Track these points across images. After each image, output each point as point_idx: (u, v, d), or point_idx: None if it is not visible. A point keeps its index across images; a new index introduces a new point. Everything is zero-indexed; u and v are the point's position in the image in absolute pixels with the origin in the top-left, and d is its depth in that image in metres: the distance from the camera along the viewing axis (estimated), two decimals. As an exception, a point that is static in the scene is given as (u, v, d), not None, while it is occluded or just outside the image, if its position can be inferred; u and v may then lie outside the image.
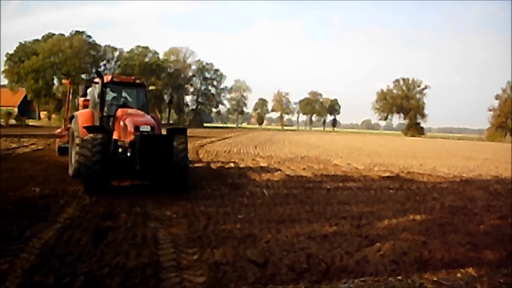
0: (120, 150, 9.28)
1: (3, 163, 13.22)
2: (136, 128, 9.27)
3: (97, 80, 11.09)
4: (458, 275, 4.85)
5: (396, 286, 4.48)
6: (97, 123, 10.35)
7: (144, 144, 8.89)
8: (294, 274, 4.79)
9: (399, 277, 4.73)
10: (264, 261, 4.98)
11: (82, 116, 10.89)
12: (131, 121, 9.49)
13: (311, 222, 7.38)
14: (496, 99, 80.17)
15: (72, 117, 11.53)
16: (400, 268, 5.07)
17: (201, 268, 4.89)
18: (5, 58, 67.82)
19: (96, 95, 10.83)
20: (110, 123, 10.28)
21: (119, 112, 10.19)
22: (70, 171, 10.98)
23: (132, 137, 9.16)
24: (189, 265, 5.03)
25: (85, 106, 12.12)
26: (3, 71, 68.16)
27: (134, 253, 5.07)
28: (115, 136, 9.73)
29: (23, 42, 70.36)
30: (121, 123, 9.71)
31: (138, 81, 11.53)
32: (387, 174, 14.41)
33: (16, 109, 64.99)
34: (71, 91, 14.09)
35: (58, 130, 14.91)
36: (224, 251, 5.31)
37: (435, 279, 4.70)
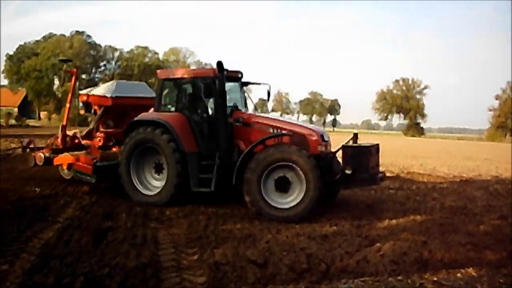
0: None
1: (3, 163, 13.22)
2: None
3: (202, 72, 9.26)
4: (458, 275, 4.85)
5: (396, 286, 4.48)
6: (204, 132, 8.49)
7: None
8: (294, 274, 4.79)
9: (399, 277, 4.73)
10: (264, 261, 4.98)
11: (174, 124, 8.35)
12: (306, 131, 8.02)
13: (311, 222, 7.39)
14: (496, 99, 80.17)
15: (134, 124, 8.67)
16: (400, 268, 5.06)
17: (201, 268, 4.89)
18: (5, 59, 67.87)
19: (204, 94, 8.42)
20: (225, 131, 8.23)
21: (247, 116, 8.50)
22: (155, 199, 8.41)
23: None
24: (189, 265, 5.03)
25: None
26: (3, 71, 68.23)
27: (134, 253, 5.07)
28: (243, 147, 8.16)
29: (23, 44, 70.43)
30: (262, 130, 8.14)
31: (240, 74, 9.26)
32: (387, 174, 14.40)
33: (16, 109, 65.02)
34: (76, 84, 10.98)
35: (51, 139, 11.05)
36: (224, 251, 5.31)
37: (435, 279, 4.69)
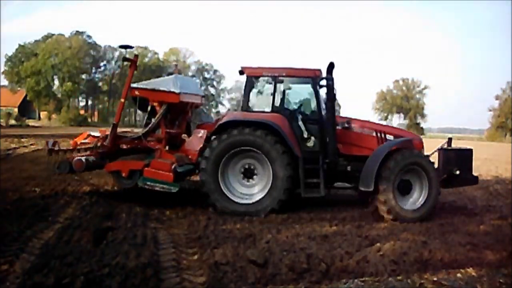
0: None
1: (3, 163, 13.23)
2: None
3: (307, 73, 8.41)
4: (458, 275, 4.85)
5: (396, 286, 4.48)
6: (305, 134, 8.33)
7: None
8: (294, 274, 4.79)
9: (399, 277, 4.73)
10: (264, 261, 4.98)
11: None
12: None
13: (311, 222, 7.39)
14: (496, 99, 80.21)
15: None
16: (400, 268, 5.07)
17: (201, 268, 4.89)
18: (4, 59, 67.94)
19: (315, 93, 8.35)
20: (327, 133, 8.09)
21: (348, 119, 8.47)
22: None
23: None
24: (189, 265, 5.03)
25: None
26: (3, 72, 68.27)
27: (134, 253, 5.07)
28: (342, 150, 8.23)
29: (22, 44, 70.44)
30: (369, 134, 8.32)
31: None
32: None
33: (16, 109, 65.02)
34: (132, 75, 8.75)
35: (92, 137, 9.53)
36: (224, 251, 5.31)
37: (435, 279, 4.70)
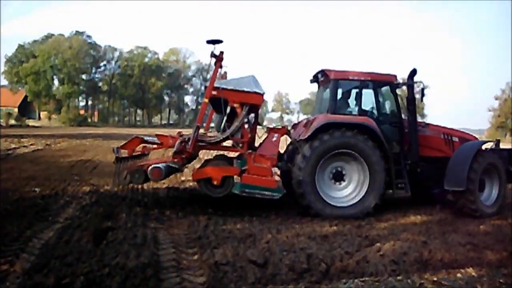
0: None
1: (3, 163, 13.23)
2: None
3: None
4: (458, 275, 4.85)
5: (396, 286, 4.48)
6: (389, 136, 8.44)
7: None
8: (294, 274, 4.79)
9: (399, 277, 4.73)
10: (264, 261, 4.98)
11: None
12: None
13: (311, 222, 7.39)
14: (496, 99, 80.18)
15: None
16: (400, 268, 5.07)
17: (201, 268, 4.89)
18: (4, 60, 68.02)
19: (394, 97, 8.68)
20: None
21: (419, 122, 8.83)
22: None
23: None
24: (189, 265, 5.03)
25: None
26: (3, 72, 68.32)
27: (134, 253, 5.07)
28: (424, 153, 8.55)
29: (22, 44, 70.49)
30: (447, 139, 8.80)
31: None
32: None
33: (16, 109, 65.05)
34: (217, 73, 8.17)
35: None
36: (224, 251, 5.31)
37: (435, 279, 4.69)
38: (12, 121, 50.65)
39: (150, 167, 7.54)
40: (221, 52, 7.80)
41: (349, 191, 8.05)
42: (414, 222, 7.59)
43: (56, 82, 70.08)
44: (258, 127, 9.01)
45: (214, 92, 7.87)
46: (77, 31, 71.71)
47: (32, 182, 10.04)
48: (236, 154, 8.95)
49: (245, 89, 7.94)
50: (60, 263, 4.70)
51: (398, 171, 8.21)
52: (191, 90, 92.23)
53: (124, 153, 8.09)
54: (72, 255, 4.95)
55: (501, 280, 4.71)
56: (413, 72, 8.41)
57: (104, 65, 77.02)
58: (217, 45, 7.75)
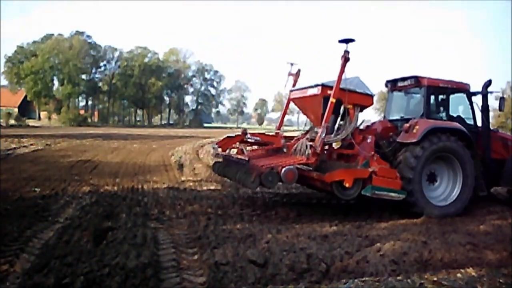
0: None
1: (3, 163, 13.23)
2: None
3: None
4: (458, 275, 4.85)
5: (396, 286, 4.48)
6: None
7: None
8: (294, 274, 4.79)
9: (399, 277, 4.73)
10: (264, 261, 4.98)
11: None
12: None
13: (311, 222, 7.39)
14: (496, 99, 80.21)
15: None
16: (400, 268, 5.07)
17: (201, 268, 4.89)
18: (4, 60, 68.06)
19: (470, 104, 9.23)
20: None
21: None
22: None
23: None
24: (189, 265, 5.03)
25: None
26: (3, 73, 68.35)
27: (134, 253, 5.07)
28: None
29: (21, 45, 70.52)
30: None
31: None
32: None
33: (16, 109, 65.09)
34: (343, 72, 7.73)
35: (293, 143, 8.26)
36: (224, 251, 5.31)
37: (435, 279, 4.69)
38: (12, 121, 50.66)
39: (284, 169, 7.09)
40: (347, 52, 7.63)
41: (440, 190, 8.52)
42: (414, 222, 7.59)
43: (56, 82, 70.13)
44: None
45: (329, 92, 7.72)
46: (77, 31, 71.77)
47: (32, 182, 10.04)
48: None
49: (359, 91, 8.05)
50: (60, 263, 4.69)
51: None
52: (191, 90, 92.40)
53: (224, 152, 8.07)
54: (72, 255, 4.94)
55: (501, 280, 4.71)
56: (489, 83, 9.17)
57: (104, 65, 77.13)
58: (349, 44, 7.62)
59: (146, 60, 79.49)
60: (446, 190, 8.52)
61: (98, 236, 5.82)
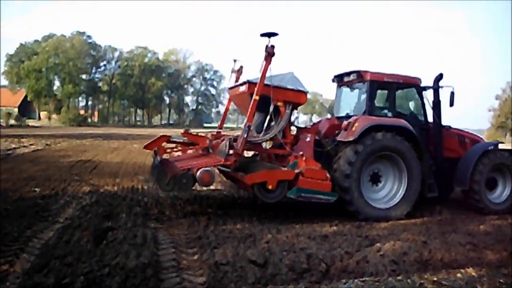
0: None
1: (3, 163, 13.23)
2: None
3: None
4: (458, 275, 4.85)
5: (396, 286, 4.48)
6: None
7: None
8: (294, 274, 4.79)
9: (399, 277, 4.73)
10: (264, 261, 4.98)
11: None
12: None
13: (311, 222, 7.39)
14: (496, 99, 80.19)
15: None
16: (400, 268, 5.07)
17: (201, 268, 4.89)
18: (5, 59, 68.03)
19: (421, 100, 8.95)
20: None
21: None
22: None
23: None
24: (189, 265, 5.03)
25: None
26: (3, 72, 68.35)
27: (134, 253, 5.07)
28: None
29: (23, 43, 70.55)
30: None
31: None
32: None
33: (16, 109, 65.09)
34: (267, 69, 7.32)
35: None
36: (224, 251, 5.31)
37: (435, 279, 4.70)
38: (12, 121, 50.66)
39: (200, 171, 6.76)
40: (273, 46, 7.26)
41: (384, 192, 8.12)
42: (414, 222, 7.59)
43: (56, 82, 70.14)
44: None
45: (255, 89, 7.30)
46: (77, 31, 71.78)
47: (32, 182, 10.03)
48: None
49: (290, 87, 7.64)
50: (60, 263, 4.69)
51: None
52: (191, 90, 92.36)
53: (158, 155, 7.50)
54: (72, 255, 4.94)
55: (501, 280, 4.72)
56: (440, 76, 8.83)
57: (104, 65, 77.11)
58: (271, 38, 7.25)
59: (146, 60, 79.46)
60: (391, 192, 8.08)
61: (98, 236, 5.82)
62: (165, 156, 7.89)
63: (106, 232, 6.04)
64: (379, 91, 8.78)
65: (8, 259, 4.92)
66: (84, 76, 73.30)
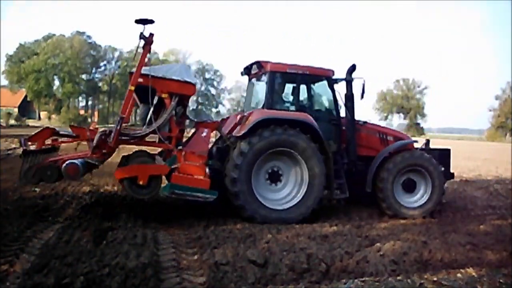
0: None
1: (3, 163, 13.22)
2: None
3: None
4: (458, 275, 4.85)
5: (396, 286, 4.48)
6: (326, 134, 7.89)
7: None
8: (294, 274, 4.79)
9: (399, 277, 4.73)
10: (264, 261, 4.98)
11: None
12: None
13: (311, 222, 7.39)
14: (496, 99, 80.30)
15: None
16: (400, 268, 5.07)
17: (201, 268, 4.89)
18: (5, 59, 68.02)
19: (332, 93, 8.25)
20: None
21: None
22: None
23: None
24: (189, 265, 5.03)
25: None
26: (3, 72, 68.33)
27: (134, 253, 5.07)
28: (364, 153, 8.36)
29: (22, 43, 70.53)
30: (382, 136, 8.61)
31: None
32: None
33: (16, 109, 65.07)
34: (145, 58, 7.25)
35: None
36: (224, 251, 5.31)
37: (435, 279, 4.70)
38: (12, 121, 50.67)
39: (66, 163, 6.63)
40: (151, 34, 6.98)
41: (285, 192, 7.57)
42: (414, 222, 7.59)
43: (56, 82, 70.13)
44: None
45: (140, 80, 7.00)
46: (77, 31, 71.75)
47: (32, 182, 10.02)
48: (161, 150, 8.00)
49: (175, 78, 7.17)
50: (60, 263, 4.69)
51: (336, 171, 7.79)
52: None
53: (33, 146, 7.15)
54: (72, 255, 4.94)
55: (501, 280, 4.72)
56: (352, 68, 8.18)
57: (104, 65, 76.99)
58: (147, 26, 6.92)
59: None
60: (292, 192, 7.58)
61: (98, 236, 5.82)
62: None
63: (106, 232, 6.04)
64: (291, 85, 8.28)
65: (8, 259, 4.93)
66: (84, 76, 73.22)
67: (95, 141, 6.86)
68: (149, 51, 7.16)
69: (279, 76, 7.97)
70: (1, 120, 49.12)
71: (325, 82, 8.23)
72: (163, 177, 7.05)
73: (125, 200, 8.42)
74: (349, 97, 8.17)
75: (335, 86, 8.25)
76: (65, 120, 62.87)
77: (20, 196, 8.32)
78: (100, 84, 78.15)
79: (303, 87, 8.28)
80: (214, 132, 8.08)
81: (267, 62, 7.91)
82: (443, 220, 7.80)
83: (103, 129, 7.15)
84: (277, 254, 5.21)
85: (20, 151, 8.46)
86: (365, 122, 8.74)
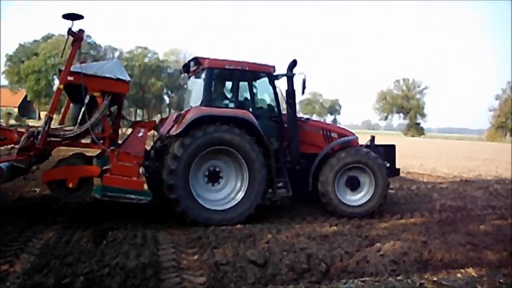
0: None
1: (3, 163, 13.21)
2: None
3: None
4: (458, 275, 4.85)
5: (396, 286, 4.48)
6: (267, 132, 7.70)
7: None
8: (294, 274, 4.79)
9: (399, 277, 4.73)
10: (264, 261, 4.98)
11: None
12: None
13: (311, 222, 7.39)
14: (496, 99, 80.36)
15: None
16: (400, 268, 5.07)
17: (201, 268, 4.89)
18: (5, 59, 68.05)
19: (273, 89, 8.07)
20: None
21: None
22: None
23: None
24: (189, 266, 5.03)
25: None
26: (3, 72, 68.36)
27: (134, 253, 5.07)
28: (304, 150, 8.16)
29: (22, 44, 70.56)
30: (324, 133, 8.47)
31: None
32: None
33: (16, 109, 65.11)
34: (74, 55, 7.08)
35: None
36: (224, 251, 5.31)
37: (435, 279, 4.69)
38: (12, 121, 50.67)
39: None
40: (81, 30, 6.77)
41: (225, 193, 7.40)
42: (414, 222, 7.59)
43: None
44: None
45: (70, 78, 6.67)
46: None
47: (32, 182, 10.01)
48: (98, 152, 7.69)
49: (107, 76, 6.88)
50: (60, 263, 4.69)
51: (278, 169, 7.62)
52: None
53: None
54: (72, 255, 4.94)
55: (501, 280, 4.72)
56: (293, 63, 7.99)
57: (104, 65, 77.14)
58: (76, 22, 6.72)
59: (146, 60, 79.44)
60: (233, 192, 7.38)
61: (98, 236, 5.82)
62: None
63: (106, 232, 6.04)
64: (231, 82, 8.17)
65: (8, 259, 4.93)
66: (84, 76, 73.34)
67: (20, 143, 6.54)
68: (79, 48, 6.92)
69: (217, 73, 7.74)
70: (1, 120, 49.12)
71: (266, 79, 8.04)
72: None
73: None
74: (290, 93, 7.94)
75: (276, 82, 8.06)
76: (65, 120, 62.94)
77: (20, 196, 8.33)
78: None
79: (243, 84, 8.16)
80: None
81: (205, 58, 7.70)
82: (443, 220, 7.79)
83: (31, 129, 6.83)
84: (277, 254, 5.21)
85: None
86: (307, 119, 8.72)
